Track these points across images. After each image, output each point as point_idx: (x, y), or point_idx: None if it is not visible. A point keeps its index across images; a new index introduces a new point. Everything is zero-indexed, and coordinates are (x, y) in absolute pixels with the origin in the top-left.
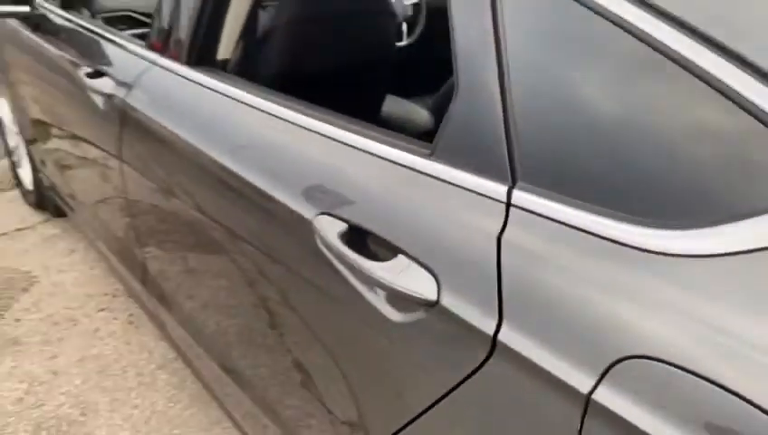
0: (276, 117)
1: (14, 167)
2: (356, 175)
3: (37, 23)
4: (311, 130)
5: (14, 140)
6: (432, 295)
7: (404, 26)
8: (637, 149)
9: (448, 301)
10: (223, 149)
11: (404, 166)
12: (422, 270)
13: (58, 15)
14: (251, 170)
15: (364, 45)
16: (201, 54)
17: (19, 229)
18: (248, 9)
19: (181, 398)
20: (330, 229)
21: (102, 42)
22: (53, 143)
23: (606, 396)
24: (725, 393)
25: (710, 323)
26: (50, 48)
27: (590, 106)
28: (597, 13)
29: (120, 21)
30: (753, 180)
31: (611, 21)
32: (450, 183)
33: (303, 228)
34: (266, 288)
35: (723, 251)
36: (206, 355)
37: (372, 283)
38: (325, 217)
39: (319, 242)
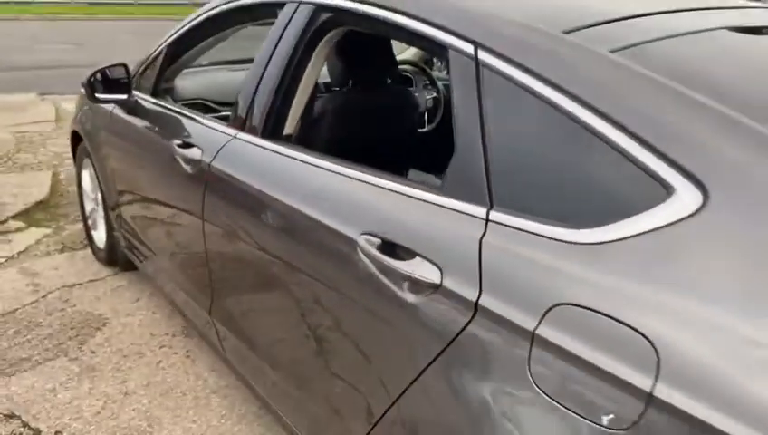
0: (328, 171)
1: (88, 229)
2: (389, 206)
3: (132, 107)
4: (354, 179)
5: (91, 206)
6: (437, 280)
7: (425, 115)
8: (559, 185)
9: (447, 282)
10: (287, 197)
11: (421, 200)
12: (431, 265)
13: (149, 102)
14: (308, 209)
15: (393, 128)
16: (272, 130)
17: (92, 281)
18: (307, 99)
19: (231, 416)
20: (369, 244)
21: (190, 121)
22: (135, 207)
23: (544, 330)
24: (620, 325)
25: (603, 281)
26: (143, 127)
27: (532, 161)
28: (537, 109)
29: (194, 106)
30: (619, 201)
31: (549, 112)
32: (451, 208)
33: (349, 245)
34: (317, 303)
35: (605, 240)
36: (264, 371)
37: (397, 276)
38: (366, 235)
39: (360, 253)
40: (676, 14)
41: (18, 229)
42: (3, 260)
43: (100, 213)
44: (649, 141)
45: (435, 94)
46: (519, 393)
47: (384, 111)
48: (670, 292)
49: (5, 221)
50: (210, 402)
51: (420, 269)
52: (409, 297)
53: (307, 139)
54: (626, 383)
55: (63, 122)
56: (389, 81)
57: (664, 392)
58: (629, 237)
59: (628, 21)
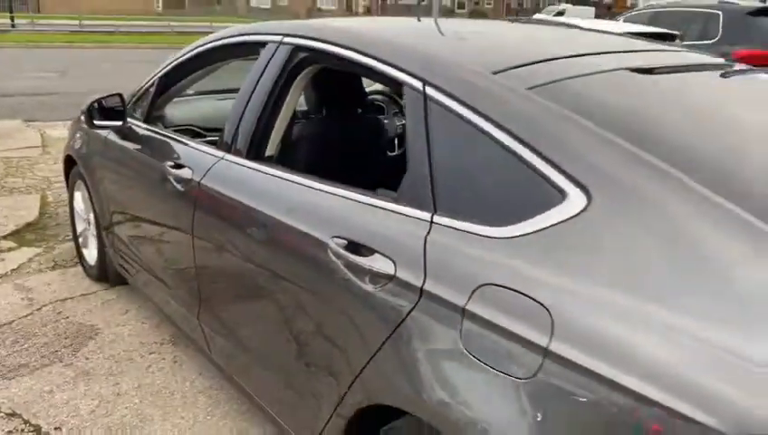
0: (304, 186)
1: (79, 248)
2: (354, 214)
3: (126, 133)
4: (326, 193)
5: (82, 226)
6: (392, 272)
7: (396, 140)
8: (484, 194)
9: (400, 273)
10: (269, 209)
11: (380, 208)
12: (387, 259)
13: (142, 128)
14: (286, 219)
15: (362, 151)
16: (256, 152)
17: (83, 295)
18: (286, 125)
19: (216, 413)
20: (337, 245)
21: (180, 145)
22: (128, 224)
23: (472, 305)
24: (525, 298)
25: (514, 265)
26: (137, 150)
27: (465, 175)
28: (470, 134)
29: (184, 132)
30: (528, 205)
31: (479, 140)
32: (403, 214)
33: (321, 247)
34: (293, 300)
35: (517, 235)
36: (247, 365)
37: (358, 269)
38: (335, 238)
39: (330, 253)
40: (584, 57)
41: (10, 249)
42: None
43: (92, 232)
44: (551, 158)
45: (404, 121)
46: (453, 355)
47: (354, 136)
48: (563, 273)
49: None
50: (197, 401)
51: (378, 263)
52: (369, 287)
53: (286, 159)
54: (530, 342)
55: (49, 148)
56: (360, 110)
57: (557, 347)
58: (534, 232)
59: (545, 63)
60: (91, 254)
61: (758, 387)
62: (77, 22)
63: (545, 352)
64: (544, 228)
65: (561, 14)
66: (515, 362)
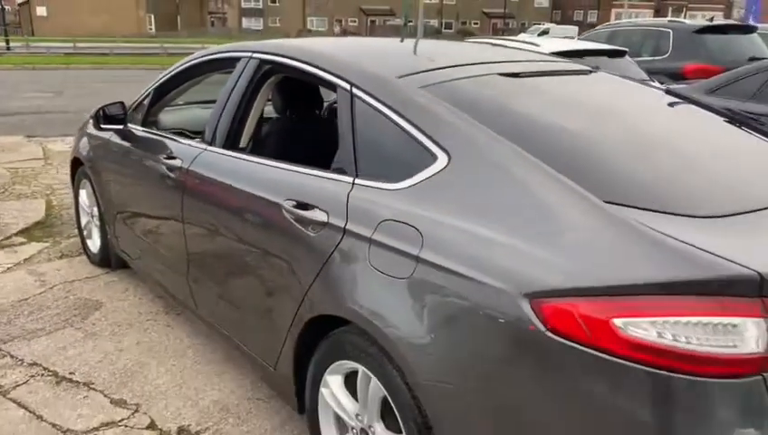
0: (268, 166)
1: (83, 239)
2: (301, 182)
3: (126, 135)
4: (283, 169)
5: (86, 219)
6: (326, 220)
7: None
8: (387, 161)
9: (331, 220)
10: (241, 184)
11: (319, 176)
12: (322, 211)
13: (140, 130)
14: (253, 190)
15: (316, 142)
16: (232, 144)
17: (88, 278)
18: (256, 122)
19: (202, 361)
20: (289, 204)
21: (172, 142)
22: (128, 212)
23: (376, 235)
24: (407, 226)
25: (402, 207)
26: (135, 149)
27: (373, 149)
28: (381, 121)
29: (174, 134)
30: (412, 166)
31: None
32: (334, 178)
33: (277, 208)
34: (257, 249)
35: (405, 187)
36: (223, 308)
37: (304, 220)
38: (287, 200)
39: (283, 211)
40: (471, 66)
41: (21, 243)
42: (12, 265)
43: (95, 223)
44: (428, 134)
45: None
46: (364, 270)
47: (311, 131)
48: (430, 208)
49: (10, 237)
50: (186, 353)
51: (317, 215)
52: (311, 232)
53: (256, 149)
54: (408, 253)
55: (51, 160)
56: (318, 112)
57: (424, 255)
58: (415, 184)
59: (437, 70)
60: (94, 243)
61: (533, 269)
62: (71, 44)
63: (417, 259)
64: (421, 181)
65: (545, 32)
66: (399, 268)
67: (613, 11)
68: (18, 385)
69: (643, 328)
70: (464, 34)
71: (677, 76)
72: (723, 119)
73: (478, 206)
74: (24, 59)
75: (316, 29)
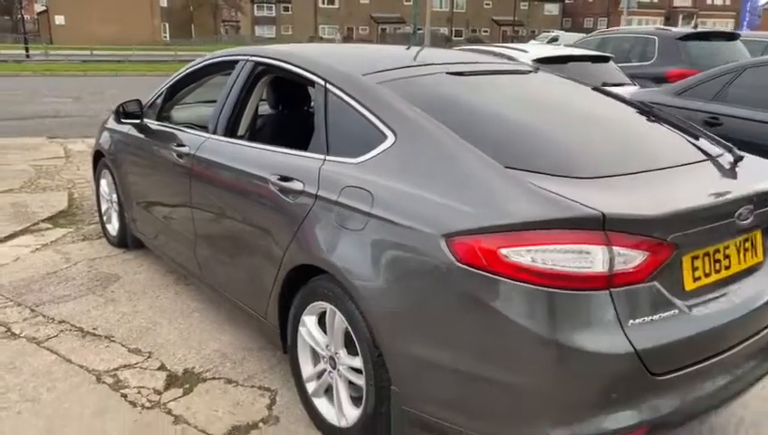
0: (261, 150)
1: (103, 223)
2: (284, 160)
3: (143, 128)
4: (272, 151)
5: (106, 205)
6: (302, 188)
7: None
8: (348, 141)
9: (306, 189)
10: (238, 164)
11: (299, 155)
12: (300, 182)
13: (155, 124)
14: (248, 168)
15: (300, 133)
16: (231, 132)
17: (108, 256)
18: (252, 114)
19: (206, 320)
20: (274, 178)
21: (182, 133)
22: (144, 196)
23: (340, 198)
24: (363, 190)
25: (360, 175)
26: (151, 141)
27: (341, 131)
28: (346, 110)
29: (185, 127)
30: (368, 143)
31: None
32: (309, 157)
33: (265, 181)
34: (250, 216)
35: (362, 160)
36: (223, 272)
37: (286, 190)
38: (273, 175)
39: (270, 184)
40: (426, 66)
41: (48, 229)
42: (40, 246)
43: (115, 209)
44: (381, 117)
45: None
46: (332, 228)
47: (297, 121)
48: (380, 176)
49: (38, 223)
50: (192, 314)
51: (295, 185)
52: (291, 199)
53: (251, 137)
54: (362, 210)
55: (72, 158)
56: (305, 107)
57: (375, 211)
58: (370, 158)
59: (395, 69)
60: (113, 226)
61: (448, 216)
62: (89, 52)
63: (369, 215)
64: (375, 155)
65: (555, 39)
66: (356, 222)
67: (623, 18)
68: (50, 338)
69: (521, 255)
70: (472, 42)
71: (661, 81)
72: (633, 109)
73: (413, 172)
74: (43, 66)
75: (327, 36)
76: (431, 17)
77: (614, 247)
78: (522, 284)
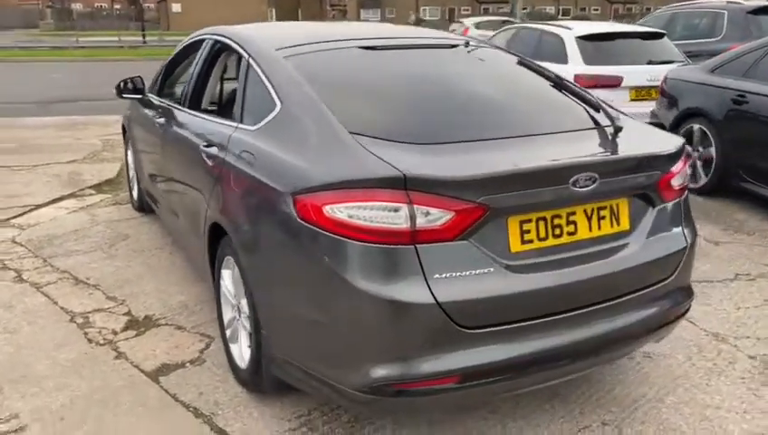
0: (201, 118)
1: (131, 190)
2: (211, 129)
3: (146, 102)
4: (210, 121)
5: (132, 173)
6: (216, 153)
7: None
8: (254, 110)
9: (218, 154)
10: (187, 133)
11: (221, 123)
12: (215, 147)
13: (155, 99)
14: (190, 136)
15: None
16: (195, 104)
17: (126, 219)
18: (211, 89)
19: (186, 277)
20: (202, 145)
21: (166, 106)
22: (148, 163)
23: (236, 163)
24: (255, 150)
25: (255, 139)
26: (150, 114)
27: (252, 101)
28: (256, 79)
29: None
30: (263, 111)
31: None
32: (227, 124)
33: (197, 149)
34: (187, 181)
35: (258, 127)
36: (181, 233)
37: (209, 155)
38: (203, 142)
39: (201, 151)
40: (342, 41)
41: (90, 194)
42: (77, 208)
43: (135, 178)
44: (276, 89)
45: None
46: (227, 187)
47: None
48: (268, 139)
49: (84, 189)
50: (175, 272)
51: (213, 150)
52: (210, 162)
53: (208, 108)
54: (246, 172)
55: None
56: None
57: (253, 172)
58: (264, 124)
59: (307, 45)
60: (135, 193)
61: (296, 176)
62: None
63: (251, 177)
64: (266, 123)
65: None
66: (241, 183)
67: None
68: (49, 284)
69: (340, 211)
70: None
71: None
72: (538, 83)
73: (286, 137)
74: (157, 51)
75: (429, 18)
76: None
77: (415, 205)
78: (340, 238)
